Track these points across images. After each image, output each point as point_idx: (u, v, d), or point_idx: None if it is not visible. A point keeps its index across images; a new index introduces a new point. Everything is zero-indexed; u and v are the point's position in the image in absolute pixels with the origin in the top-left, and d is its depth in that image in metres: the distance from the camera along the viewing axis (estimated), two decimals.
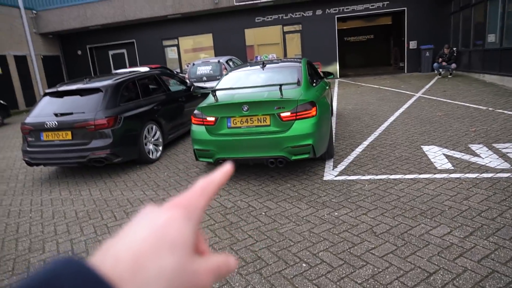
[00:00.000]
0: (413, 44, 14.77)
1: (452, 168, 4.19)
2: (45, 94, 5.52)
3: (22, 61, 17.02)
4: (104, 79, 5.65)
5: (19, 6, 16.65)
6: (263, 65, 5.22)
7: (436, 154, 4.69)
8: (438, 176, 4.01)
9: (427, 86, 10.75)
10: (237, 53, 16.21)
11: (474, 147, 4.81)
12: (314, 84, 4.95)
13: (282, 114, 4.02)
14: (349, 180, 4.17)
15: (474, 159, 4.39)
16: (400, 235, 2.89)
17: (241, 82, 4.98)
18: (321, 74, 6.44)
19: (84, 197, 4.53)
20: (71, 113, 5.03)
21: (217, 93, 4.50)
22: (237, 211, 3.66)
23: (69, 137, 5.01)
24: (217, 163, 4.25)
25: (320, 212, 3.44)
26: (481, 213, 3.10)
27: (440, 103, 7.99)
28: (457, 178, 3.90)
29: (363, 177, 4.20)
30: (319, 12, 15.22)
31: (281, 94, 4.07)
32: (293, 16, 15.49)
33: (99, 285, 0.26)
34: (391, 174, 4.20)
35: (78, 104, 5.16)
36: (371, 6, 14.65)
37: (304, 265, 2.64)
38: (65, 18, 17.03)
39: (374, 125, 6.60)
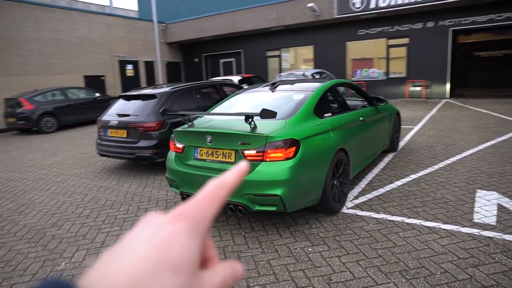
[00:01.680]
0: None
1: (494, 224, 3.33)
2: (119, 97, 6.45)
3: (150, 66, 20.00)
4: (166, 87, 6.30)
5: (153, 20, 19.58)
6: (274, 87, 4.40)
7: (489, 203, 3.79)
8: (464, 230, 3.24)
9: None
10: (337, 67, 15.82)
11: None
12: (325, 116, 3.86)
13: (245, 152, 3.24)
14: (357, 215, 3.72)
15: None
16: (345, 283, 2.48)
17: (234, 106, 4.20)
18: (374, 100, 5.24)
19: (122, 189, 5.15)
20: (128, 115, 5.77)
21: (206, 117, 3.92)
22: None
23: (125, 135, 5.75)
24: (182, 197, 3.78)
25: (296, 244, 3.18)
26: None
27: None
28: (488, 237, 3.09)
29: (375, 215, 3.69)
30: (430, 24, 13.67)
31: (251, 126, 3.26)
32: (400, 29, 14.28)
33: None
34: (410, 218, 3.57)
35: (137, 108, 5.88)
36: (498, 17, 12.45)
37: None
38: (186, 30, 19.33)
39: (441, 157, 5.65)
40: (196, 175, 3.50)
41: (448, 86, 13.81)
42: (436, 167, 5.20)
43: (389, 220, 3.55)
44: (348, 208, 3.92)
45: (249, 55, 18.95)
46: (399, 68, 14.73)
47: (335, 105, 4.58)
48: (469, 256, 2.81)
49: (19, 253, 3.38)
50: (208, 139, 3.44)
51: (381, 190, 4.39)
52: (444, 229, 3.28)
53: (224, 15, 17.62)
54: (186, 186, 3.65)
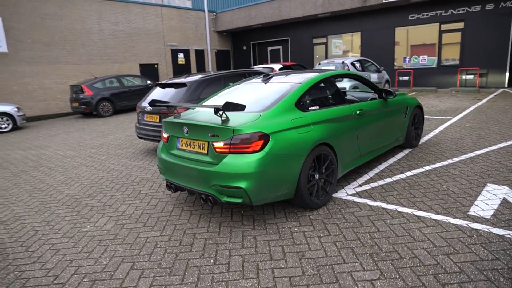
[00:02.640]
0: None
1: (488, 217, 3.30)
2: (156, 85, 7.06)
3: (200, 54, 20.85)
4: (197, 76, 6.76)
5: (204, 10, 20.29)
6: (267, 78, 4.41)
7: (493, 197, 3.71)
8: (454, 221, 3.27)
9: None
10: (385, 54, 15.27)
11: None
12: (311, 109, 3.80)
13: (214, 144, 3.28)
14: (353, 201, 3.87)
15: None
16: (323, 266, 2.71)
17: (223, 98, 4.17)
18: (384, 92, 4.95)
19: (152, 168, 5.75)
20: (161, 101, 6.33)
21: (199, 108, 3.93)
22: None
23: (158, 120, 6.34)
24: (167, 185, 3.87)
25: (286, 224, 3.45)
26: (438, 275, 2.52)
27: None
28: (475, 229, 3.10)
29: (371, 203, 3.81)
30: (489, 6, 12.58)
31: (222, 119, 3.33)
32: (455, 13, 13.33)
33: None
34: (404, 207, 3.65)
35: (169, 95, 6.42)
36: None
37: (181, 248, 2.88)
38: (235, 18, 19.78)
39: (465, 150, 5.46)
40: (176, 165, 3.61)
41: (507, 74, 12.70)
42: (456, 159, 5.07)
43: (383, 208, 3.66)
44: (348, 195, 4.07)
45: (296, 42, 18.92)
46: (451, 55, 13.81)
47: (327, 98, 4.32)
48: (446, 245, 2.87)
49: (59, 216, 4.07)
50: (185, 130, 3.55)
51: (388, 180, 4.45)
52: (433, 219, 3.33)
53: (271, 3, 17.73)
54: (169, 174, 3.77)
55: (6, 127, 11.07)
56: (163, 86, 6.80)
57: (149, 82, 14.66)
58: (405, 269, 2.60)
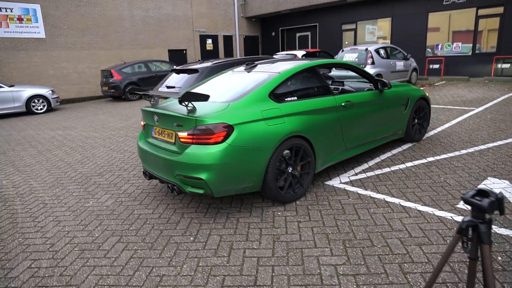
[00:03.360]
0: None
1: None
2: (172, 71, 7.28)
3: (228, 40, 20.96)
4: (209, 62, 6.90)
5: None
6: (249, 67, 4.30)
7: None
8: (438, 213, 3.22)
9: None
10: (416, 40, 14.64)
11: None
12: (287, 100, 3.66)
13: (179, 134, 3.26)
14: (344, 189, 3.89)
15: None
16: (293, 249, 2.80)
17: (204, 87, 4.12)
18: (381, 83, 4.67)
19: None
20: (174, 87, 6.55)
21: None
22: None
23: None
24: (143, 172, 3.88)
25: (270, 208, 3.55)
26: (403, 263, 2.53)
27: None
28: (457, 222, 3.04)
29: (361, 191, 3.81)
30: None
31: (187, 108, 3.31)
32: None
33: None
34: (392, 197, 3.62)
35: (182, 80, 6.62)
36: None
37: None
38: (263, 4, 19.63)
39: (477, 142, 5.24)
40: (148, 153, 3.62)
41: None
42: (464, 151, 4.89)
43: (371, 197, 3.66)
44: (340, 183, 4.09)
45: (324, 28, 18.52)
46: (488, 42, 12.99)
47: (308, 89, 4.04)
48: (421, 236, 2.86)
49: (68, 191, 4.41)
50: (155, 118, 3.55)
51: (386, 170, 4.40)
52: (418, 210, 3.30)
53: None
54: (144, 162, 3.82)
55: (41, 109, 11.85)
56: (178, 72, 7.01)
57: (177, 67, 15.02)
58: (373, 256, 2.64)
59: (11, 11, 13.72)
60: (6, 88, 11.24)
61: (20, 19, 13.89)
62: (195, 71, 6.55)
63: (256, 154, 3.26)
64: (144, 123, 3.92)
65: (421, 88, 11.66)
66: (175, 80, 6.81)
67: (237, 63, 6.95)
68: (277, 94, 3.65)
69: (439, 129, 6.23)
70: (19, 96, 11.39)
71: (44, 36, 14.47)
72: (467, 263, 2.49)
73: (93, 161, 5.69)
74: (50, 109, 12.07)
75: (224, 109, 3.28)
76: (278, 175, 3.53)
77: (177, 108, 3.46)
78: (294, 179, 3.66)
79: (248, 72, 4.15)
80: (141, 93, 3.95)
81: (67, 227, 3.42)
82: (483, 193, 1.23)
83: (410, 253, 2.64)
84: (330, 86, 4.93)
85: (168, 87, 6.67)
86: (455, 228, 2.95)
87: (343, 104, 4.10)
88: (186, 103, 3.27)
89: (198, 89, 4.09)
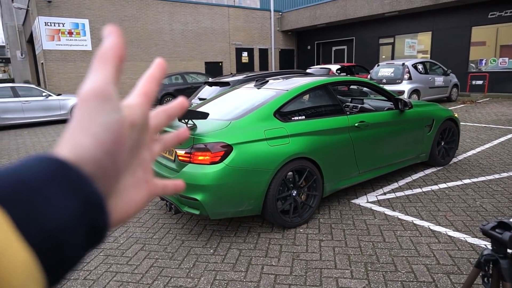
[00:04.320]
0: None
1: None
2: (205, 83, 7.47)
3: (263, 53, 21.24)
4: (241, 75, 7.01)
5: (271, 10, 20.62)
6: (259, 84, 4.13)
7: None
8: (471, 240, 3.02)
9: None
10: (458, 55, 14.09)
11: None
12: (293, 119, 3.46)
13: (177, 152, 3.14)
14: (371, 209, 3.76)
15: None
16: (312, 268, 2.73)
17: (213, 103, 3.99)
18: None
19: None
20: (205, 99, 6.70)
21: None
22: None
23: None
24: None
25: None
26: None
27: None
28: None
29: (389, 212, 3.67)
30: None
31: (187, 126, 3.17)
32: None
33: (61, 164, 0.26)
34: (422, 220, 3.45)
35: (214, 93, 6.76)
36: None
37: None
38: (299, 18, 19.77)
39: None
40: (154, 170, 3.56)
41: None
42: (505, 174, 4.59)
43: (398, 219, 3.51)
44: (367, 202, 3.96)
45: (361, 42, 18.29)
46: None
47: (319, 107, 3.83)
48: (450, 264, 2.69)
49: None
50: (157, 134, 3.52)
51: (417, 190, 4.22)
52: (448, 236, 3.12)
53: (336, 2, 17.38)
54: None
55: None
56: (211, 84, 7.18)
57: (210, 79, 15.41)
58: (395, 282, 2.52)
59: (63, 26, 14.77)
60: (54, 97, 12.02)
61: (70, 33, 14.91)
62: (226, 83, 6.68)
63: (255, 176, 3.08)
64: None
65: (462, 105, 11.13)
66: (208, 92, 6.97)
67: (266, 77, 6.99)
68: (283, 113, 3.46)
69: (478, 149, 5.90)
70: (65, 104, 12.13)
71: (91, 49, 15.40)
72: None
73: None
74: None
75: (224, 127, 3.15)
76: (281, 199, 3.34)
77: (178, 125, 3.31)
78: (299, 203, 3.43)
79: (258, 88, 3.98)
80: None
81: None
82: (505, 225, 1.15)
83: (437, 281, 2.50)
84: (349, 104, 4.79)
85: (200, 99, 6.84)
86: None
87: (356, 124, 3.82)
88: (186, 120, 3.15)
89: (207, 105, 3.96)
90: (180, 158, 3.13)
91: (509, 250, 1.14)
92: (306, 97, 3.84)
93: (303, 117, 3.58)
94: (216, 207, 3.03)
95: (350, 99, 5.09)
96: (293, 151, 3.26)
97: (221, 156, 2.98)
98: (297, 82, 3.87)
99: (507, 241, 1.11)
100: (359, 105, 4.69)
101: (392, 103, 4.53)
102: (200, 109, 3.82)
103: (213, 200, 2.98)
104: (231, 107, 3.67)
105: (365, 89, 7.20)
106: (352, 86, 7.37)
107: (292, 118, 3.49)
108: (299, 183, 3.42)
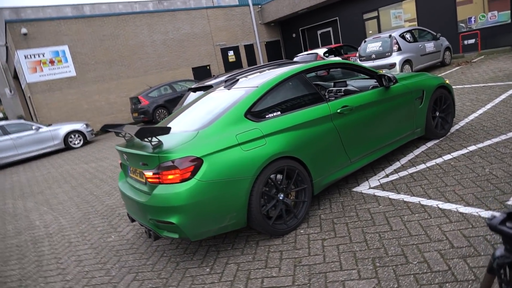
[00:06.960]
0: None
1: None
2: (189, 90, 7.22)
3: (250, 49, 20.94)
4: (223, 76, 6.75)
5: (249, 4, 20.27)
6: (229, 84, 3.75)
7: None
8: (484, 214, 2.76)
9: None
10: (445, 17, 13.67)
11: None
12: (268, 117, 3.14)
13: (145, 173, 2.81)
14: (374, 195, 3.51)
15: None
16: (316, 274, 2.49)
17: (183, 114, 3.61)
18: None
19: None
20: None
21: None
22: None
23: None
24: (127, 213, 3.54)
25: None
26: (444, 284, 2.13)
27: None
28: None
29: (393, 196, 3.41)
30: None
31: (152, 144, 2.83)
32: None
33: None
34: (429, 199, 3.19)
35: None
36: None
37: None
38: (280, 7, 19.41)
39: None
40: (124, 194, 3.26)
41: None
42: (511, 134, 4.30)
43: (404, 202, 3.25)
44: (369, 188, 3.71)
45: (345, 21, 17.92)
46: None
47: (295, 99, 3.44)
48: (466, 246, 2.44)
49: (93, 227, 4.40)
50: (125, 157, 3.18)
51: (421, 167, 3.95)
52: (460, 213, 2.86)
53: None
54: (125, 203, 3.41)
55: (78, 143, 12.39)
56: (195, 90, 6.93)
57: (194, 85, 15.16)
58: (408, 277, 2.27)
59: (43, 56, 14.59)
60: (45, 128, 11.87)
61: (52, 62, 14.73)
62: (209, 87, 6.43)
63: (232, 187, 2.78)
64: (120, 162, 3.53)
65: (458, 67, 10.77)
66: (193, 99, 6.74)
67: (252, 71, 6.73)
68: (255, 112, 3.14)
69: (480, 111, 5.60)
70: (57, 134, 11.98)
71: (75, 74, 15.22)
72: None
73: (119, 192, 5.71)
74: (86, 142, 12.58)
75: (191, 139, 2.82)
76: (268, 205, 3.03)
77: (144, 144, 3.01)
78: (290, 205, 3.16)
79: (229, 89, 3.61)
80: (111, 130, 3.44)
81: (87, 267, 3.35)
82: None
83: (453, 268, 2.24)
84: (332, 88, 4.48)
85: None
86: None
87: (338, 111, 3.51)
88: (149, 139, 2.82)
89: (178, 117, 3.59)
90: (149, 180, 2.80)
91: None
92: (280, 89, 3.44)
93: (279, 112, 3.25)
94: (196, 228, 2.73)
95: (332, 83, 4.81)
96: (271, 152, 2.96)
97: (191, 171, 2.67)
98: (268, 76, 3.52)
99: None
100: (343, 88, 4.39)
101: (375, 80, 4.19)
102: (171, 122, 3.53)
103: (190, 221, 2.69)
104: (199, 115, 3.31)
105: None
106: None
107: (266, 116, 3.17)
108: (281, 185, 3.09)
